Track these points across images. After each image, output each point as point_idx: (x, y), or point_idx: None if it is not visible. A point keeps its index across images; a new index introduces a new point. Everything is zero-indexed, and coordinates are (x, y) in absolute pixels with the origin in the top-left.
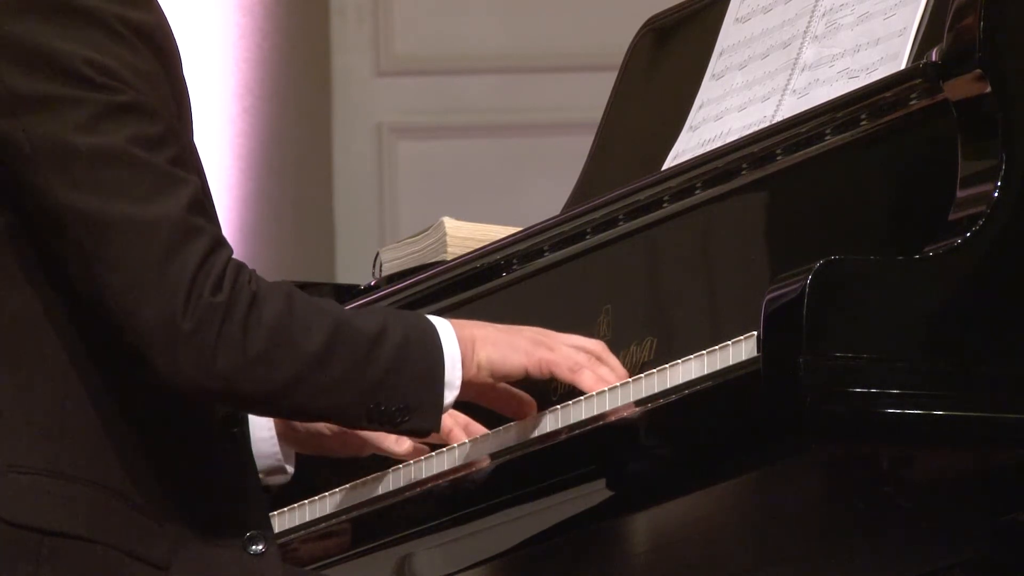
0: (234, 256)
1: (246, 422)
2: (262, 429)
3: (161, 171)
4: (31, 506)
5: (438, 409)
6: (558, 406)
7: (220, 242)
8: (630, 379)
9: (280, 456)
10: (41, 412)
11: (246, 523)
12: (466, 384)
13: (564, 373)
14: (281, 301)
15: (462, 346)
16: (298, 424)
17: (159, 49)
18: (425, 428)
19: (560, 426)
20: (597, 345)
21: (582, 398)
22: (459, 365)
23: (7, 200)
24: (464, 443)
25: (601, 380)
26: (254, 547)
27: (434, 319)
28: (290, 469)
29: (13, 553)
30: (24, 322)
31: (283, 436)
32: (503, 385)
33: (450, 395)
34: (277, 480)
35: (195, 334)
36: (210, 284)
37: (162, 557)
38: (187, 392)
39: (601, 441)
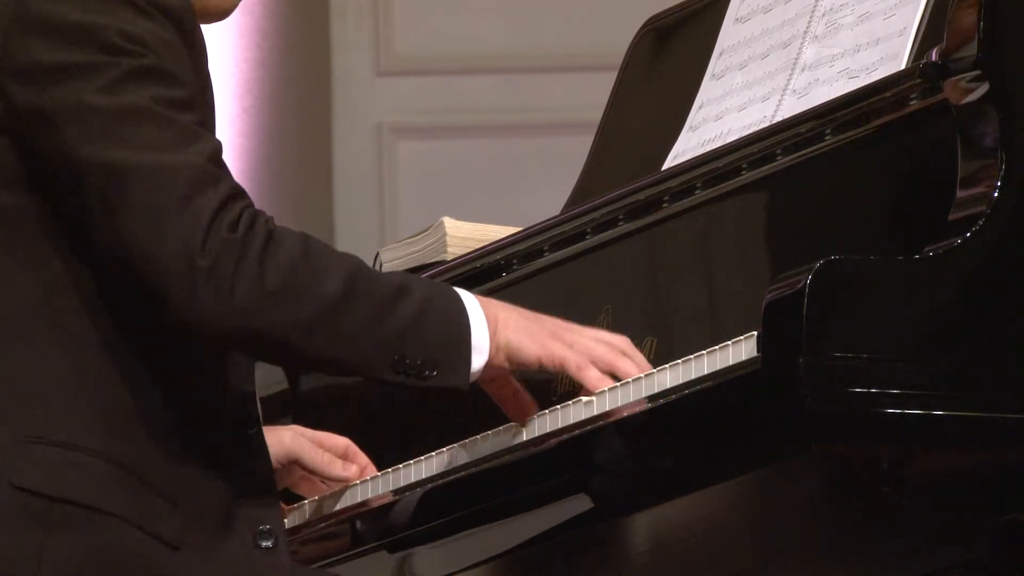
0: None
1: (260, 423)
2: None
3: (183, 127)
4: (42, 473)
5: (467, 368)
6: (558, 406)
7: (240, 191)
8: (629, 380)
9: None
10: (56, 387)
11: (258, 518)
12: (487, 365)
13: (572, 370)
14: (298, 242)
15: (489, 323)
16: (295, 464)
17: (185, 31)
18: (454, 385)
19: (560, 426)
20: (621, 340)
21: (582, 398)
22: (486, 333)
23: (24, 180)
24: (464, 443)
25: (605, 379)
26: (265, 542)
27: (460, 291)
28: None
29: (23, 518)
30: (42, 299)
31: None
32: (515, 383)
33: (478, 359)
34: None
35: (213, 269)
36: (227, 223)
37: (173, 536)
38: (208, 330)
39: (601, 441)
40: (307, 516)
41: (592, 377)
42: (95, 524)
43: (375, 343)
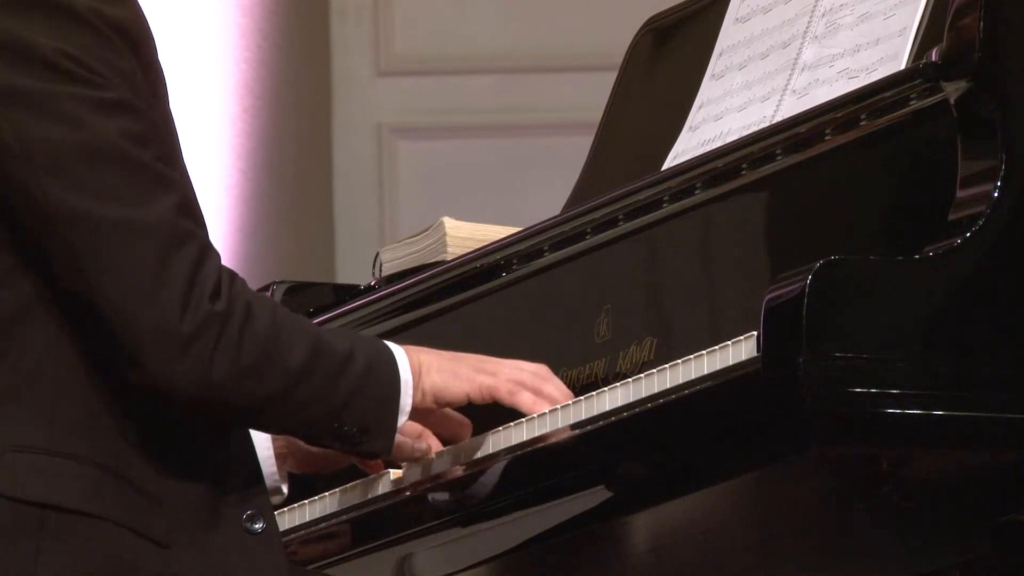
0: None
1: None
2: (262, 449)
3: (151, 170)
4: (31, 483)
5: (392, 432)
6: (558, 406)
7: (209, 247)
8: (630, 380)
9: (277, 476)
10: (39, 395)
11: (245, 503)
12: (413, 409)
13: (504, 396)
14: (269, 315)
15: (412, 372)
16: (298, 444)
17: (135, 44)
18: (378, 450)
19: (560, 425)
20: (542, 367)
21: (582, 398)
22: (411, 391)
23: None
24: (466, 442)
25: (540, 401)
26: (254, 525)
27: (390, 344)
28: (285, 489)
29: (15, 528)
30: (22, 308)
31: (280, 457)
32: (446, 411)
33: (402, 419)
34: (273, 500)
35: (194, 341)
36: (209, 291)
37: (162, 535)
38: (179, 399)
39: (601, 441)
40: (306, 517)
41: (526, 399)
42: (86, 529)
43: (321, 413)
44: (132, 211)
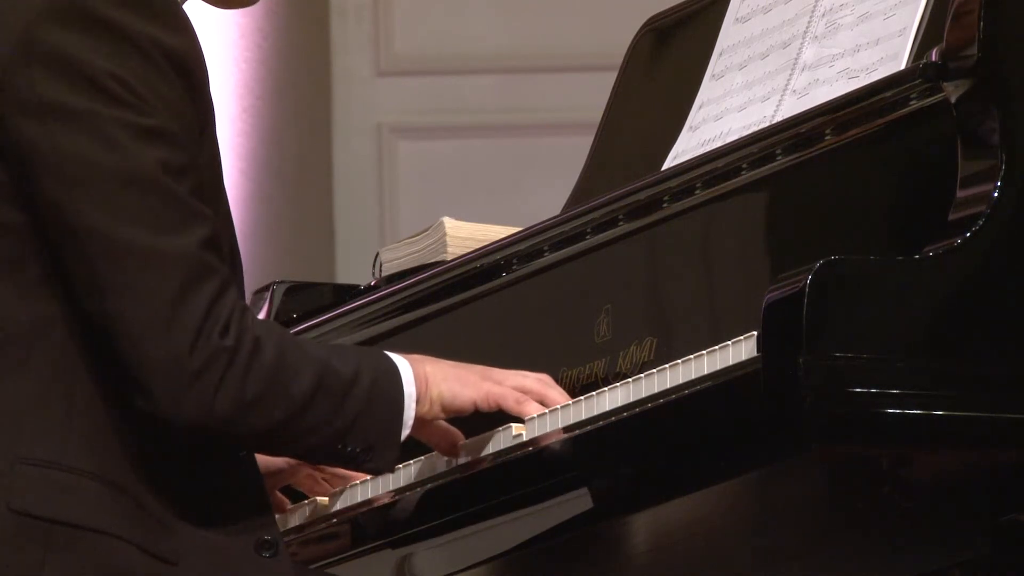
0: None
1: None
2: None
3: (183, 202)
4: (39, 496)
5: (396, 449)
6: (558, 406)
7: (229, 283)
8: (630, 380)
9: None
10: (51, 410)
11: (255, 530)
12: (418, 420)
13: (511, 405)
14: (276, 346)
15: (417, 384)
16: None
17: (189, 75)
18: (382, 468)
19: (560, 425)
20: (544, 376)
21: (582, 398)
22: (414, 404)
23: (24, 202)
24: (467, 442)
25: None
26: (264, 552)
27: (395, 357)
28: None
29: (21, 542)
30: (43, 322)
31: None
32: (439, 422)
33: (404, 432)
34: None
35: (200, 375)
36: (219, 327)
37: (171, 552)
38: (183, 428)
39: (602, 441)
40: (307, 516)
41: (532, 410)
42: (93, 544)
43: (327, 437)
44: (158, 239)
